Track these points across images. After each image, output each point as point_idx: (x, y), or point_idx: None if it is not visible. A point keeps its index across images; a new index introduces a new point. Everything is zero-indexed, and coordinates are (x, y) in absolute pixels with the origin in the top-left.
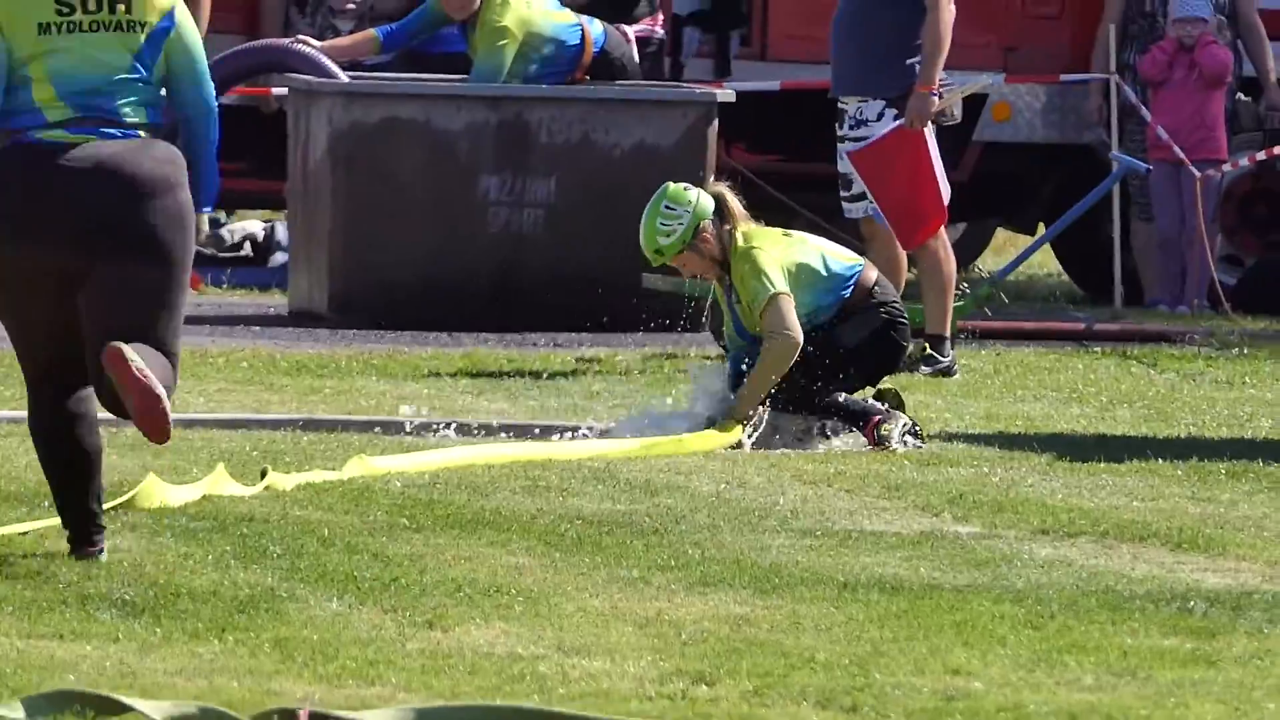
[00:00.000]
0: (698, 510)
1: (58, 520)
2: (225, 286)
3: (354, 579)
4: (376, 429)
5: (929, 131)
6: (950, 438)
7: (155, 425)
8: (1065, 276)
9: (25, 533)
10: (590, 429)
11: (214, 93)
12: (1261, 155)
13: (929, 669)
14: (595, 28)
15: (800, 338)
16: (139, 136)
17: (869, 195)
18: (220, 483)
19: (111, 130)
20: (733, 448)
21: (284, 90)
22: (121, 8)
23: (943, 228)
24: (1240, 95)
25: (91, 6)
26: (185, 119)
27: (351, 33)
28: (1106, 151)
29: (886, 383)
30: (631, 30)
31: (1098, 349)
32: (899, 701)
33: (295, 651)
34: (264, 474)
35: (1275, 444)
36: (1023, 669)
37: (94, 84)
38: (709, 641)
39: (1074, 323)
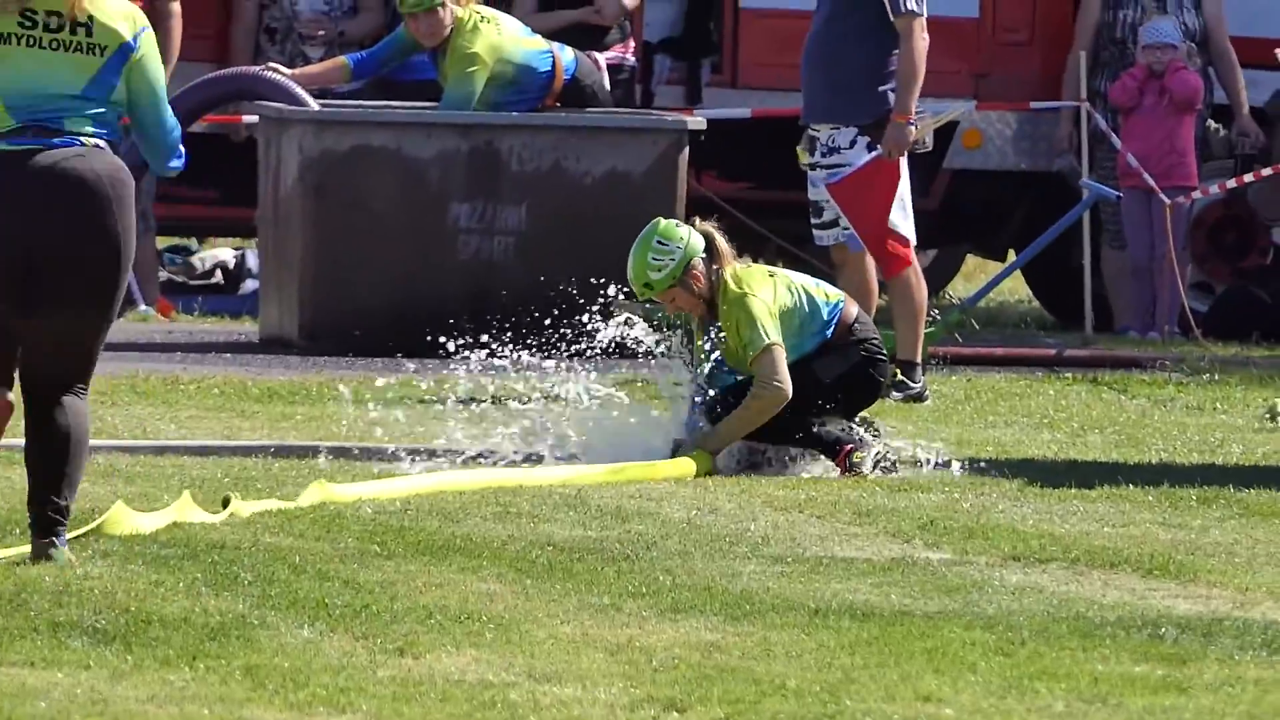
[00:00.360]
0: (669, 537)
1: (28, 548)
2: (196, 314)
3: (325, 606)
4: (356, 451)
5: (902, 160)
6: (920, 464)
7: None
8: (1036, 303)
9: None
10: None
11: (173, 117)
12: (1232, 183)
13: (900, 696)
14: (566, 55)
15: (790, 390)
16: (82, 145)
17: (841, 222)
18: (186, 510)
19: (56, 140)
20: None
21: (254, 118)
22: (83, 31)
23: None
24: (1211, 122)
25: (53, 26)
26: (143, 137)
27: (322, 60)
28: (1077, 179)
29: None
30: (602, 57)
31: (1068, 375)
32: None
33: (266, 679)
34: (226, 502)
35: (1246, 470)
36: (994, 696)
37: (44, 99)
38: (680, 668)
39: (1045, 349)
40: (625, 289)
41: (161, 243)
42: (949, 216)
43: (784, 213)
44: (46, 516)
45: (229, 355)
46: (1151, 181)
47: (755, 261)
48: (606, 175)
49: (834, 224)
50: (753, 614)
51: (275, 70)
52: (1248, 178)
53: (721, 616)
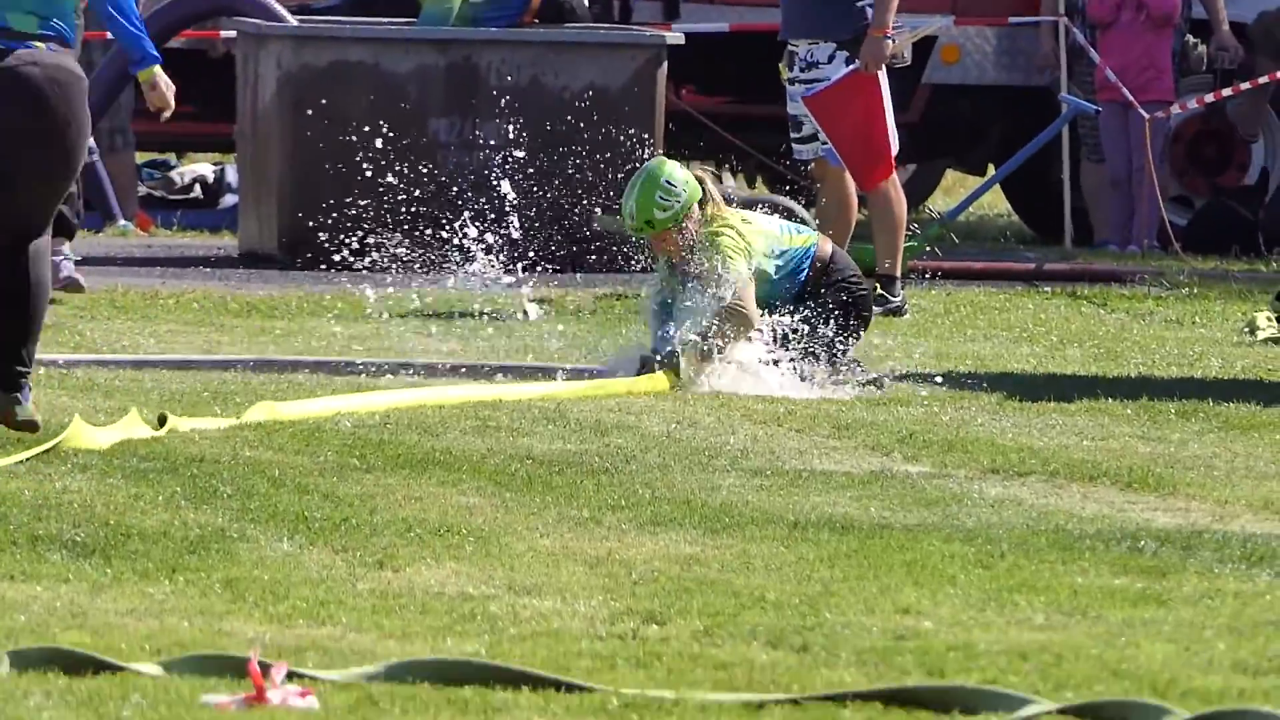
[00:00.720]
0: (648, 450)
1: (7, 460)
2: (175, 229)
3: (304, 519)
4: (343, 365)
5: (881, 74)
6: (900, 377)
7: None
8: (1015, 217)
9: None
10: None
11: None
12: (1210, 97)
13: (879, 608)
14: None
15: (756, 320)
16: (34, 48)
17: (820, 137)
18: (133, 426)
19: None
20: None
21: (232, 34)
22: None
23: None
24: (1190, 37)
25: None
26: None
27: None
28: (1057, 92)
29: None
30: None
31: (1048, 289)
32: (849, 641)
33: (246, 591)
34: (163, 420)
35: (1224, 383)
36: (973, 608)
37: None
38: (659, 581)
39: (1024, 263)
40: (603, 204)
41: (140, 158)
42: (929, 131)
43: (763, 127)
44: (13, 371)
45: (208, 270)
46: (1129, 95)
47: (734, 176)
48: (585, 90)
49: (813, 138)
50: (732, 527)
51: None
52: (1226, 92)
53: (701, 529)
